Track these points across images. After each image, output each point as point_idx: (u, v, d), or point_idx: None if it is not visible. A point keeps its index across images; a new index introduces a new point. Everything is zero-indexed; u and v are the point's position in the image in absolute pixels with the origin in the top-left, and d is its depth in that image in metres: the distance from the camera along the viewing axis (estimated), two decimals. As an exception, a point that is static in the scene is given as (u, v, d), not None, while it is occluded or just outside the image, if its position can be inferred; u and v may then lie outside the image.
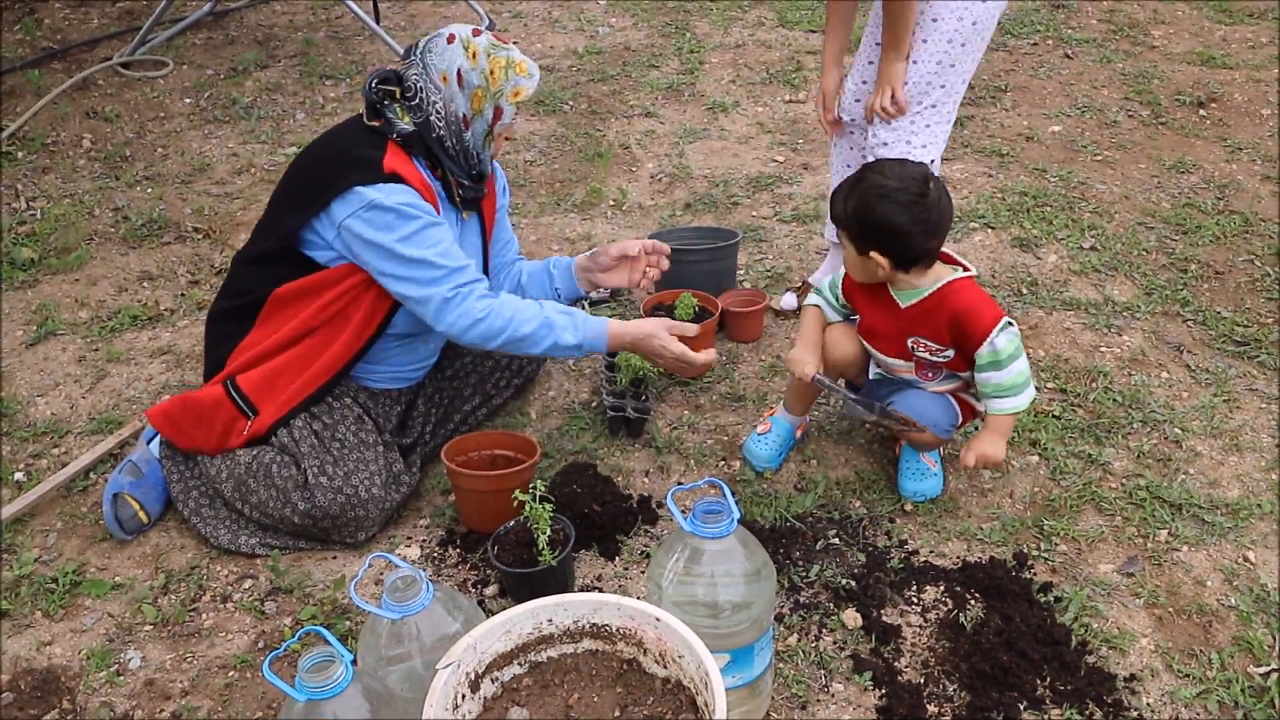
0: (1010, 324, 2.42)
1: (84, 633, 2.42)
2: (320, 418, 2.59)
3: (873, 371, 2.73)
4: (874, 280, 2.49)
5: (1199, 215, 3.81)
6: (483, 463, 2.65)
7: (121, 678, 2.30)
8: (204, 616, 2.45)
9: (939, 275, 2.45)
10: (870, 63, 2.97)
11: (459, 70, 2.43)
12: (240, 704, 2.23)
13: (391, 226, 2.38)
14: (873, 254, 2.41)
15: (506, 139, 2.60)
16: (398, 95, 2.48)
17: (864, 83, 3.00)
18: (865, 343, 2.65)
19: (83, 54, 5.41)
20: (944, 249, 2.47)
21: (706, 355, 2.63)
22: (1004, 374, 2.42)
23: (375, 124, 2.49)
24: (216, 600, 2.49)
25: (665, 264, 2.87)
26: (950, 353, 2.50)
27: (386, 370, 2.72)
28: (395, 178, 2.41)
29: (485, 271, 2.80)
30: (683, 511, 1.97)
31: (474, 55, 2.44)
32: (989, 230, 3.75)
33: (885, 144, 2.90)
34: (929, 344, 2.50)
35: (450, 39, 2.46)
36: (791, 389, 2.77)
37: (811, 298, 2.73)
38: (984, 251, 3.63)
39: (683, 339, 2.60)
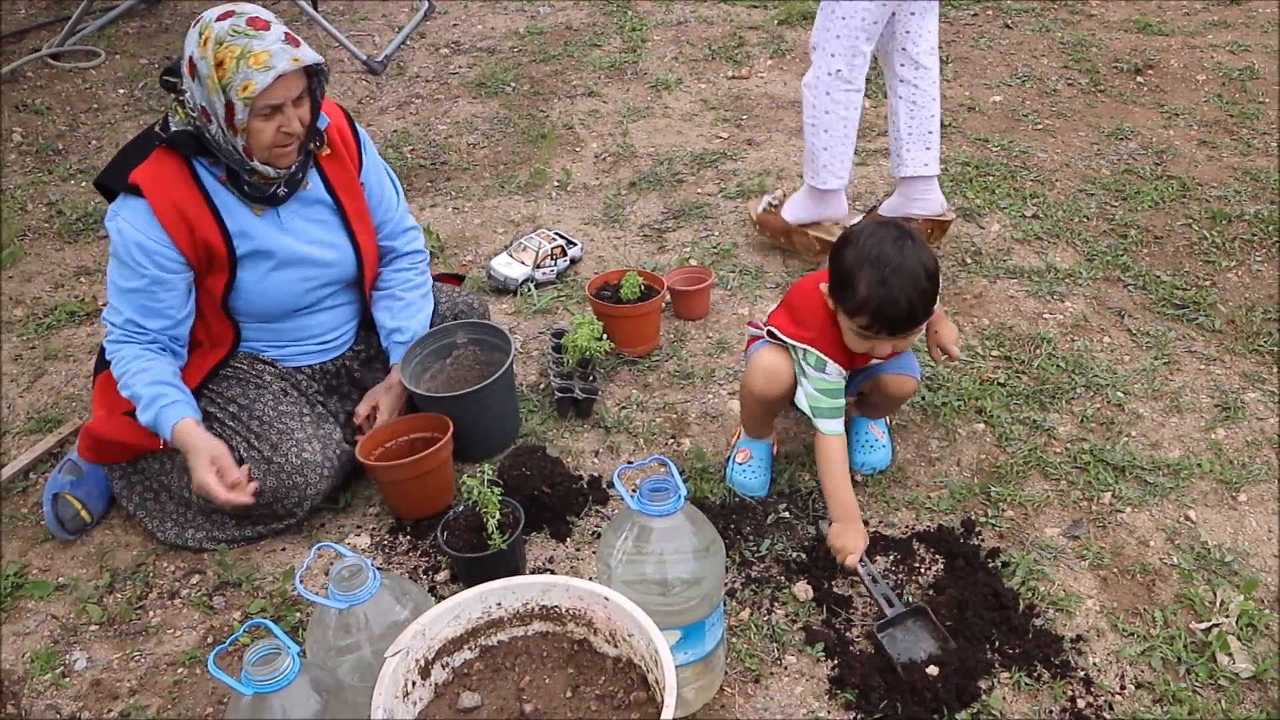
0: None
1: (27, 635, 2.38)
2: (235, 400, 2.56)
3: None
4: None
5: (1138, 181, 3.86)
6: (401, 450, 2.62)
7: (67, 679, 2.27)
8: (151, 614, 2.42)
9: None
10: None
11: (191, 58, 2.27)
12: (190, 700, 2.21)
13: (110, 235, 2.41)
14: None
15: (285, 131, 2.32)
16: (180, 86, 2.36)
17: None
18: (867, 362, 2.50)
19: (10, 45, 5.28)
20: None
21: (228, 495, 2.39)
22: None
23: (158, 128, 2.41)
24: (164, 597, 2.46)
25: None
26: None
27: (290, 348, 2.67)
28: (136, 191, 2.35)
29: (362, 243, 2.63)
30: (631, 491, 1.96)
31: (205, 42, 2.24)
32: (932, 201, 3.77)
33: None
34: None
35: (196, 22, 2.29)
36: (751, 415, 2.58)
37: (826, 425, 2.36)
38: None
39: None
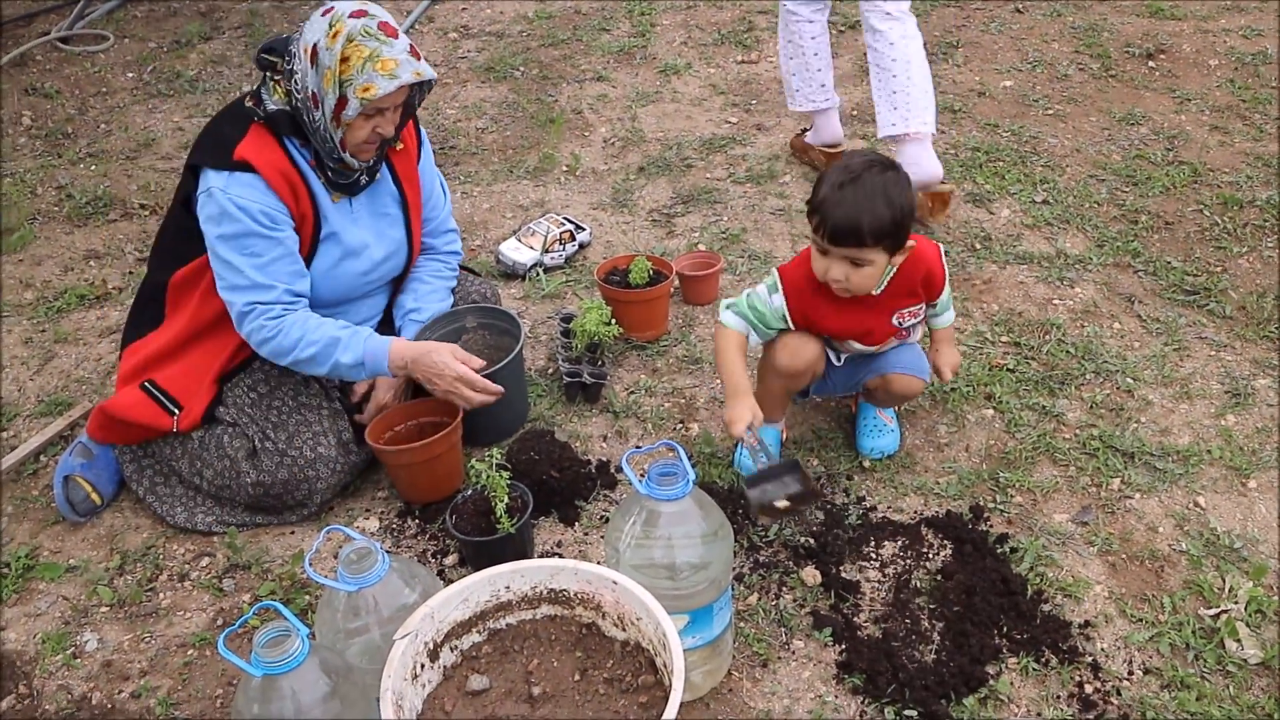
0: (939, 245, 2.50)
1: (39, 616, 2.39)
2: (256, 387, 2.57)
3: (841, 359, 2.61)
4: (874, 282, 2.37)
5: (1149, 167, 3.84)
6: (410, 434, 2.63)
7: (79, 660, 2.28)
8: (161, 596, 2.43)
9: None
10: None
11: (315, 46, 2.29)
12: (200, 682, 2.22)
13: (217, 220, 2.36)
14: (894, 257, 2.33)
15: (380, 133, 2.39)
16: (279, 66, 2.39)
17: None
18: (850, 343, 2.52)
19: (20, 29, 5.28)
20: None
21: (487, 387, 2.49)
22: (947, 291, 2.55)
23: (250, 104, 2.42)
24: (174, 579, 2.47)
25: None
26: (923, 305, 2.52)
27: None
28: (245, 166, 2.35)
29: (414, 239, 2.71)
30: (639, 475, 1.96)
31: (335, 35, 2.28)
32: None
33: None
34: (910, 310, 2.48)
35: (326, 11, 2.33)
36: (768, 392, 2.59)
37: (728, 317, 2.48)
38: (937, 208, 3.64)
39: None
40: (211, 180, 2.35)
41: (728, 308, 2.49)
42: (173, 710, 2.16)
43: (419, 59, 2.34)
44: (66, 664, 2.27)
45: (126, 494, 2.68)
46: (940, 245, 2.51)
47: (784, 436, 2.71)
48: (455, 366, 2.48)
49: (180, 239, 2.50)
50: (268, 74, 2.41)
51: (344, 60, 2.28)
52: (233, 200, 2.34)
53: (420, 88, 2.48)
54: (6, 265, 3.58)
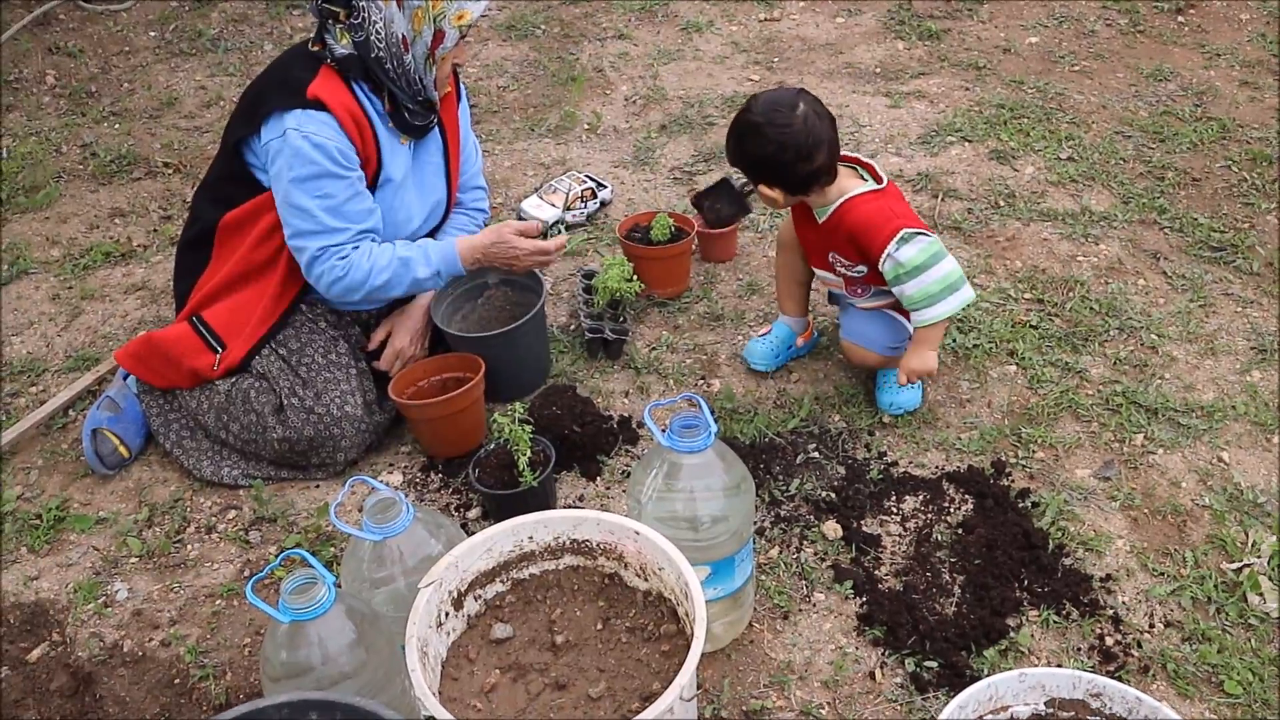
0: (917, 234, 2.38)
1: (70, 567, 2.43)
2: (287, 343, 2.58)
3: (826, 293, 2.80)
4: (780, 208, 2.54)
5: (1177, 123, 3.79)
6: (433, 389, 2.64)
7: (110, 609, 2.32)
8: (189, 548, 2.46)
9: (843, 190, 2.46)
10: None
11: None
12: (228, 630, 2.25)
13: (290, 165, 2.37)
14: (761, 188, 2.46)
15: (456, 64, 2.51)
16: (341, 16, 2.40)
17: None
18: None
19: (42, -12, 5.27)
20: (865, 159, 2.51)
21: (560, 244, 2.69)
22: (914, 285, 2.40)
23: (315, 48, 2.44)
24: (201, 531, 2.50)
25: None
26: (863, 268, 2.52)
27: None
28: (318, 104, 2.36)
29: (452, 190, 2.76)
30: (661, 428, 1.97)
31: None
32: (966, 143, 3.72)
33: None
34: (842, 259, 2.54)
35: None
36: (780, 283, 2.84)
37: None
38: (961, 165, 3.61)
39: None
40: (286, 121, 2.36)
41: None
42: (201, 658, 2.19)
43: None
44: (98, 612, 2.31)
45: (154, 447, 2.71)
46: (904, 230, 2.38)
47: (799, 342, 2.82)
48: (525, 244, 2.60)
49: (231, 182, 2.53)
50: (329, 22, 2.41)
51: None
52: (308, 138, 2.35)
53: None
54: (33, 223, 3.61)
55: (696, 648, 1.65)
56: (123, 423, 2.67)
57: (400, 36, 2.37)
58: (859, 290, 2.59)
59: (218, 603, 2.32)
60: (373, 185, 2.52)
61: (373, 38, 2.38)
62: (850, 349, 2.65)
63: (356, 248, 2.48)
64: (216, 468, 2.61)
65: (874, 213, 2.42)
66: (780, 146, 2.34)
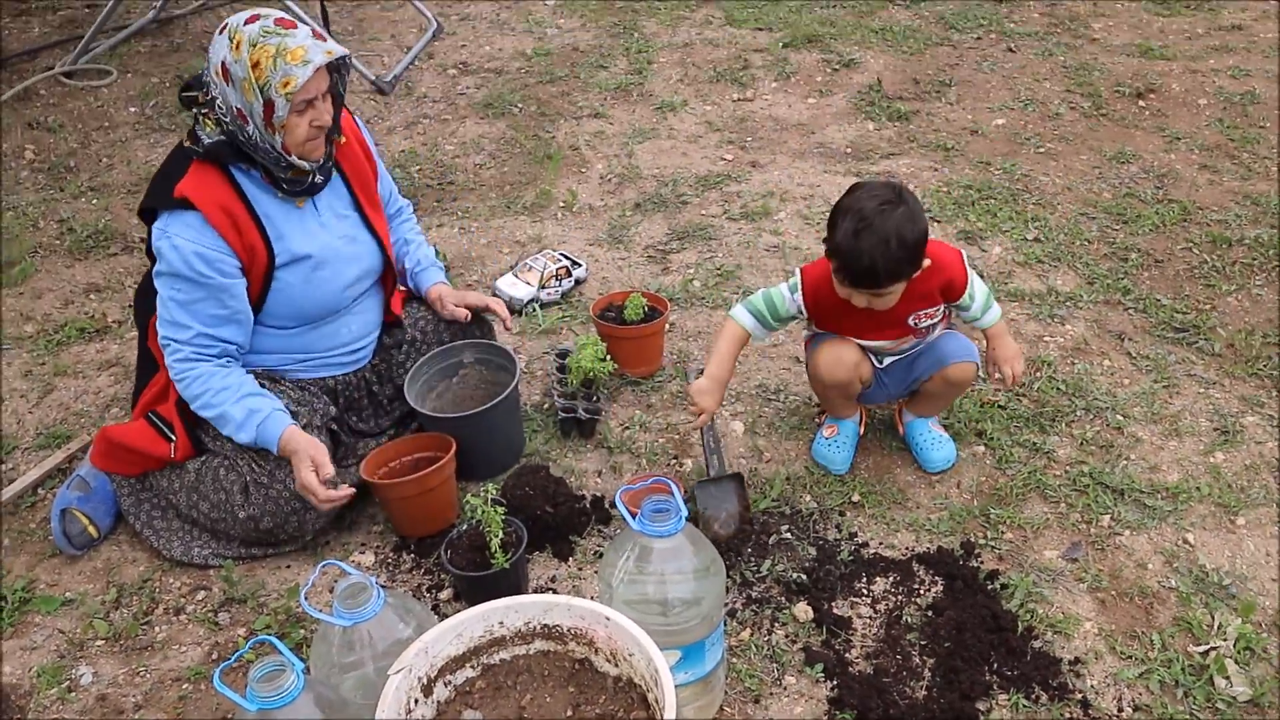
0: (961, 252, 2.57)
1: (34, 650, 2.40)
2: None
3: (886, 362, 2.71)
4: (894, 301, 2.47)
5: (1139, 205, 3.88)
6: (405, 469, 2.65)
7: (73, 694, 2.29)
8: (157, 629, 2.44)
9: None
10: None
11: (224, 63, 2.31)
12: (195, 715, 2.23)
13: (158, 257, 2.43)
14: (901, 285, 2.41)
15: (316, 125, 2.40)
16: (200, 98, 2.42)
17: None
18: (859, 342, 2.63)
19: (24, 64, 5.34)
20: None
21: (329, 497, 2.43)
22: (980, 292, 2.60)
23: (188, 144, 2.44)
24: (169, 613, 2.48)
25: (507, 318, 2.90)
26: (942, 306, 2.59)
27: (305, 360, 2.68)
28: (184, 203, 2.37)
29: (379, 229, 2.71)
30: (632, 512, 1.99)
31: (238, 46, 2.29)
32: (935, 224, 3.79)
33: None
34: (926, 312, 2.57)
35: (223, 29, 2.34)
36: (827, 401, 2.79)
37: (739, 312, 2.62)
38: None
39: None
40: (159, 223, 2.41)
41: (741, 303, 2.63)
42: (167, 744, 2.17)
43: (325, 39, 2.38)
44: (61, 698, 2.28)
45: (124, 527, 2.69)
46: (962, 252, 2.57)
47: (862, 430, 2.83)
48: (302, 475, 2.42)
49: (151, 285, 2.55)
50: (196, 111, 2.43)
51: (255, 65, 2.29)
52: (170, 240, 2.38)
53: (340, 71, 2.47)
54: (8, 299, 3.61)
55: (666, 736, 1.65)
56: (92, 502, 2.66)
57: (236, 109, 2.36)
58: (927, 330, 2.63)
59: (184, 686, 2.29)
60: (269, 268, 2.49)
61: (220, 115, 2.39)
62: (964, 368, 2.63)
63: (199, 358, 2.46)
64: (186, 548, 2.59)
65: (940, 251, 2.52)
66: (921, 215, 2.37)
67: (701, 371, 2.65)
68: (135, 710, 2.25)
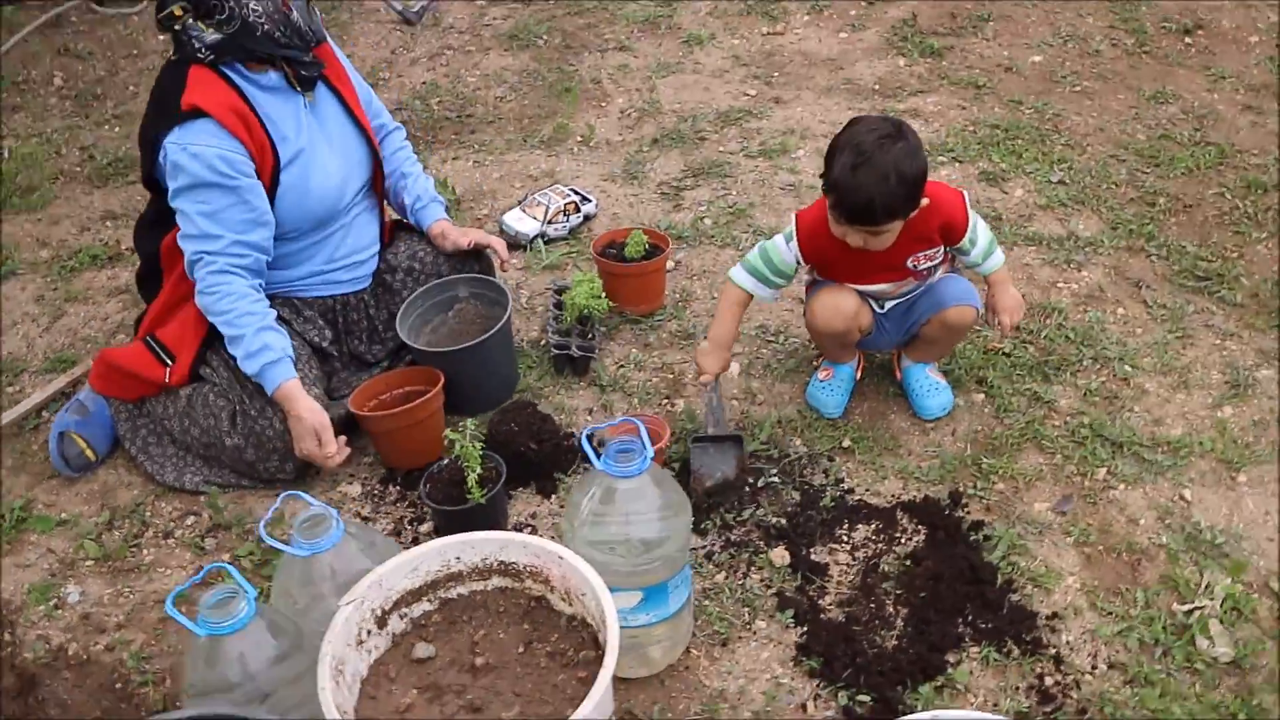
0: (963, 194, 2.50)
1: (28, 567, 2.47)
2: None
3: (887, 306, 2.65)
4: (890, 241, 2.41)
5: (1174, 147, 3.73)
6: (394, 402, 2.65)
7: (60, 611, 2.35)
8: (145, 552, 2.49)
9: None
10: None
11: None
12: (173, 638, 2.27)
13: (174, 176, 2.41)
14: (897, 223, 2.35)
15: None
16: (178, 12, 2.39)
17: None
18: (858, 288, 2.57)
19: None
20: None
21: (330, 453, 2.49)
22: (983, 235, 2.54)
23: (175, 56, 2.45)
24: (158, 536, 2.53)
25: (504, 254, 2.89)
26: (942, 248, 2.53)
27: (303, 275, 2.70)
28: (195, 112, 2.38)
29: (367, 130, 2.73)
30: (597, 451, 1.97)
31: None
32: (956, 164, 3.69)
33: None
34: (925, 254, 2.51)
35: None
36: (824, 347, 2.75)
37: (737, 273, 2.58)
38: (951, 186, 3.58)
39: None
40: (170, 140, 2.40)
41: (740, 264, 2.59)
42: (143, 664, 2.22)
43: None
44: (48, 614, 2.34)
45: (120, 452, 2.74)
46: (964, 193, 2.49)
47: (858, 375, 2.78)
48: (304, 444, 2.48)
49: (159, 213, 2.57)
50: (183, 21, 2.40)
51: None
52: (187, 150, 2.37)
53: None
54: (26, 224, 3.66)
55: (605, 676, 1.64)
56: (90, 427, 2.70)
57: (280, 1, 2.40)
58: (927, 272, 2.57)
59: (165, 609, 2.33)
60: (276, 167, 2.51)
61: (252, 19, 2.38)
62: (963, 312, 2.55)
63: (232, 270, 2.46)
64: (179, 474, 2.63)
65: (940, 191, 2.46)
66: (921, 152, 2.32)
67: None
68: (116, 629, 2.30)
